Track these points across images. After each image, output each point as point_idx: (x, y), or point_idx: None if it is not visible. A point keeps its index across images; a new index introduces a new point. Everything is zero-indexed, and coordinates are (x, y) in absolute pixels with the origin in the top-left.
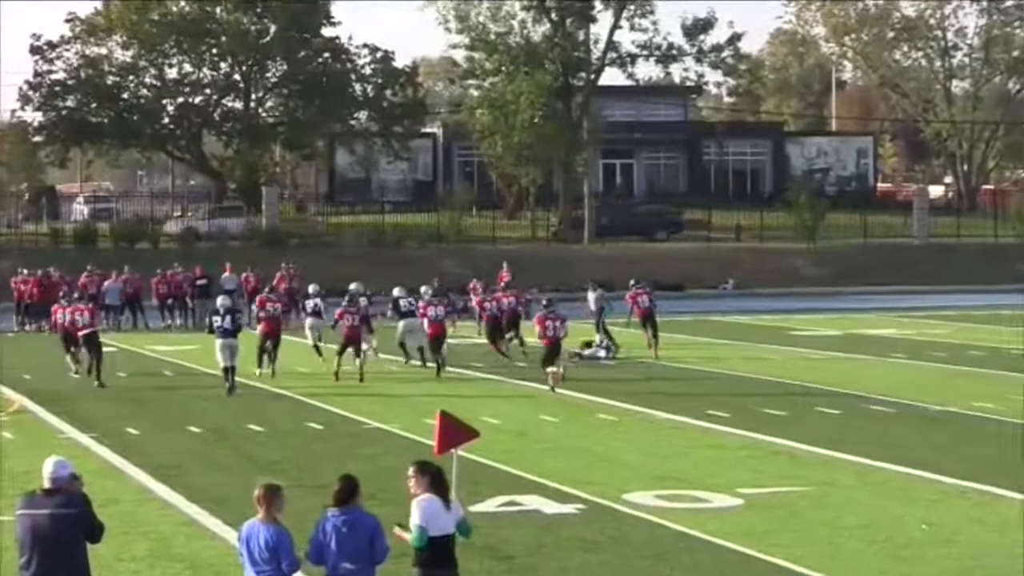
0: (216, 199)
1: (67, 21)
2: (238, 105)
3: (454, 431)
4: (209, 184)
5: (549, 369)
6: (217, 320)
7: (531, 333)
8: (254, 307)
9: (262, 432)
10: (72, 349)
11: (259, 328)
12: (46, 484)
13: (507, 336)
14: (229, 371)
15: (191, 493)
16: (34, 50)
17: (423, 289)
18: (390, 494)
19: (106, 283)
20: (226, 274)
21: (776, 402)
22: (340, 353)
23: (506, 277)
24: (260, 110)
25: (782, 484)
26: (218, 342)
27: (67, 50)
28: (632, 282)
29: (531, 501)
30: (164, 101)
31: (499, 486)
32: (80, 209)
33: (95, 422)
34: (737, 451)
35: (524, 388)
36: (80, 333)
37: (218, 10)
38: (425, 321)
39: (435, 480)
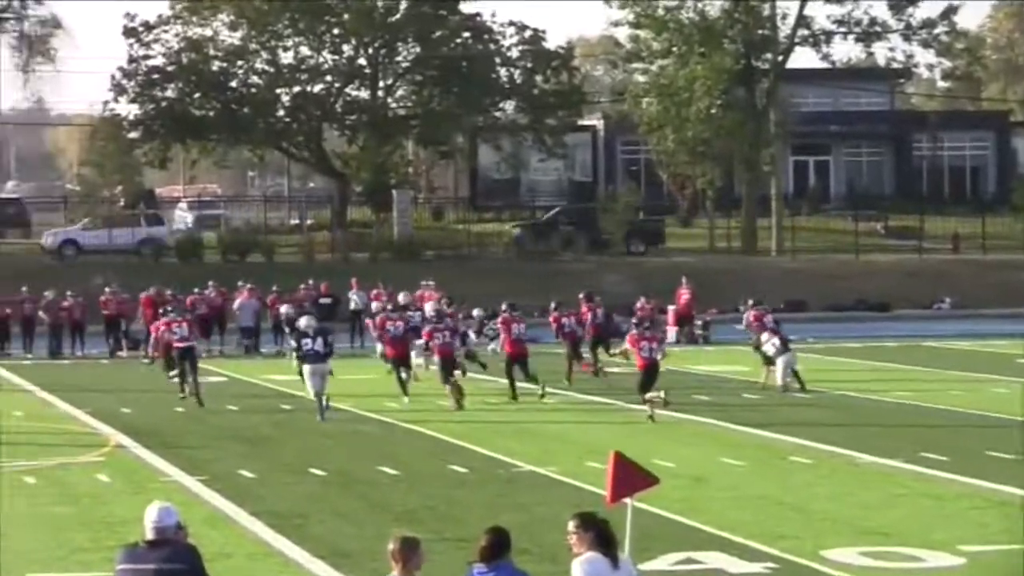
0: (340, 203)
1: None
2: (364, 95)
3: (630, 476)
4: (331, 186)
5: (648, 395)
6: (307, 343)
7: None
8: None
9: (396, 476)
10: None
11: (385, 351)
12: (149, 535)
13: (611, 352)
14: (319, 399)
15: (314, 546)
16: (128, 32)
17: (503, 306)
18: (547, 549)
19: (237, 300)
20: (353, 291)
21: (1004, 443)
22: (445, 379)
23: (685, 295)
24: (389, 100)
25: (1012, 541)
26: (306, 368)
27: (166, 31)
28: (750, 302)
29: (712, 559)
30: (278, 90)
31: (674, 541)
32: (183, 216)
33: (204, 463)
34: (957, 501)
35: (701, 425)
36: (176, 346)
37: None
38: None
39: (600, 535)
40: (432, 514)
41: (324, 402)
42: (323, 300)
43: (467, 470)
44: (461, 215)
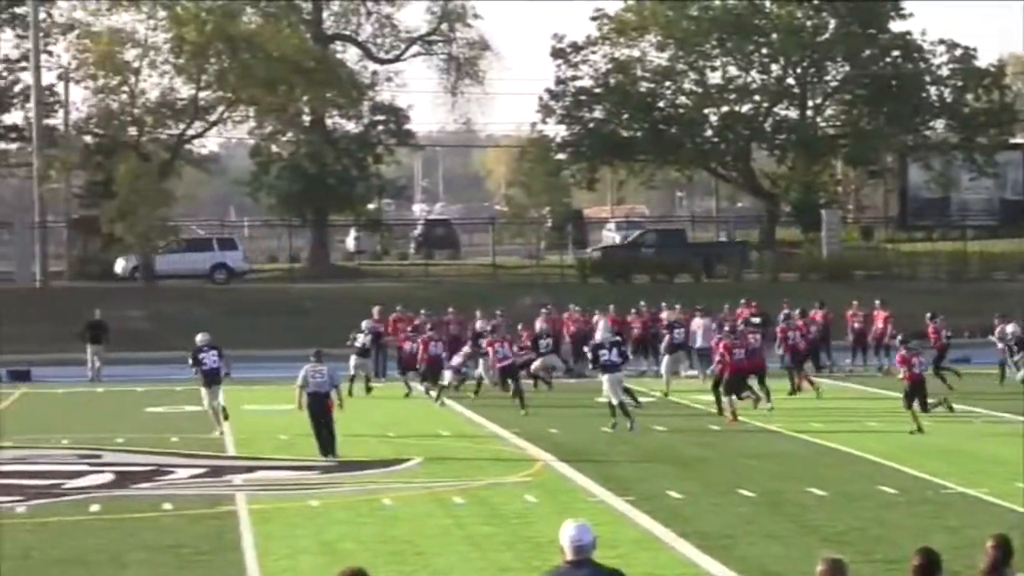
0: (768, 223)
1: (594, 19)
2: (792, 114)
3: None
4: (759, 206)
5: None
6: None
7: None
8: None
9: (823, 496)
10: None
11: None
12: (570, 555)
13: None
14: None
15: (742, 567)
16: (556, 53)
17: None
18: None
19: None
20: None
21: None
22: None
23: None
24: (818, 119)
25: None
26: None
27: (593, 52)
28: (928, 315)
29: None
30: (706, 110)
31: None
32: (611, 236)
33: (631, 484)
34: None
35: None
36: (498, 365)
37: (768, 3)
38: None
39: (1001, 550)
40: (861, 536)
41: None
42: (754, 320)
43: (897, 491)
44: (891, 235)
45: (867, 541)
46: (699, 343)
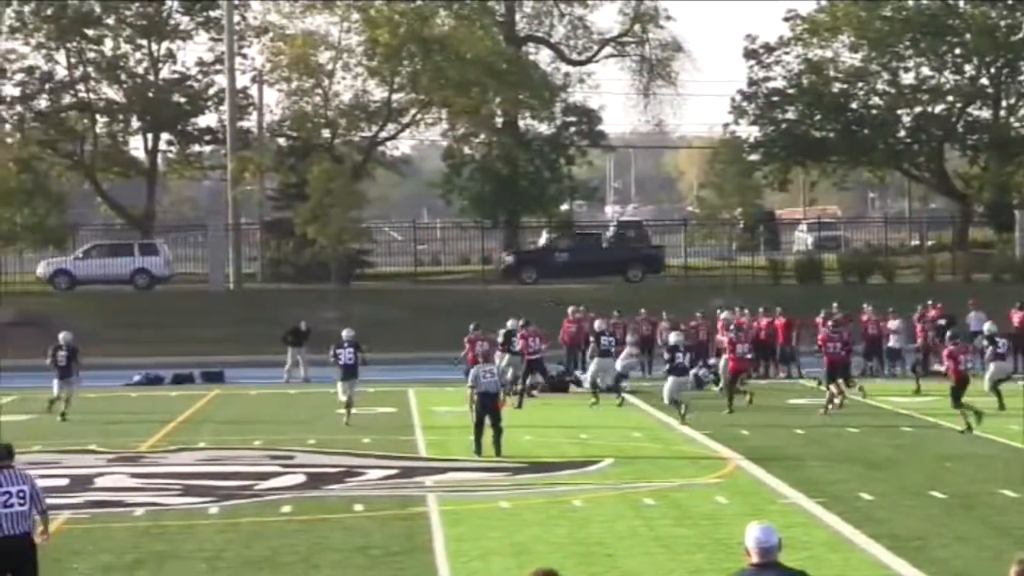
0: (961, 224)
1: (786, 20)
2: (985, 114)
3: None
4: (952, 207)
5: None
6: None
7: None
8: None
9: (1017, 498)
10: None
11: None
12: (755, 557)
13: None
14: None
15: (934, 570)
16: (749, 54)
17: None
18: None
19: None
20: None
21: None
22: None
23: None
24: (1012, 119)
25: None
26: None
27: (787, 53)
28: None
29: None
30: (899, 111)
31: None
32: (803, 238)
33: (823, 485)
34: None
35: None
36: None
37: (961, 3)
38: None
39: None
40: None
41: None
42: (940, 321)
43: None
44: None
45: None
46: (891, 343)
